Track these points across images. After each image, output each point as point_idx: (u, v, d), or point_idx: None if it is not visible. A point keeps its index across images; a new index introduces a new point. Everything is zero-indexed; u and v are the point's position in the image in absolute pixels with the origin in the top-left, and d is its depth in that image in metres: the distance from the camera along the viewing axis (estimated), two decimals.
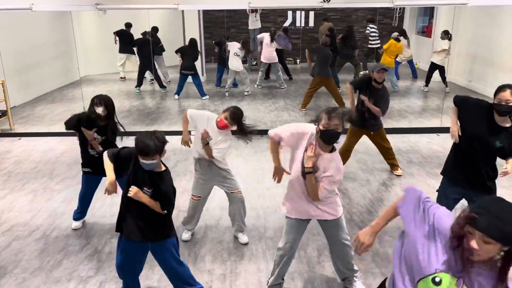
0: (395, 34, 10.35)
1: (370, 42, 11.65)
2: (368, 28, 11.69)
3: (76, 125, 4.27)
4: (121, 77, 11.70)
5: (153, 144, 2.87)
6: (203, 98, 9.82)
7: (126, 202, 3.07)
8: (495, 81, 9.41)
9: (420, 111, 8.91)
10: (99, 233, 4.50)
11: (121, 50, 11.24)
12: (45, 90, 10.62)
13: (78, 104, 8.95)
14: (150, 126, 8.02)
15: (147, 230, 3.09)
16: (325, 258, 4.02)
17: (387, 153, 5.94)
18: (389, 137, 7.26)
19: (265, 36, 10.67)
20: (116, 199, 5.09)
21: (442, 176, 3.94)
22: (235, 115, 3.91)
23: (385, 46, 10.15)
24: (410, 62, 11.45)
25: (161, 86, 10.72)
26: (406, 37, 10.86)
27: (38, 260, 4.04)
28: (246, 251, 4.16)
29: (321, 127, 2.97)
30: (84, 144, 4.40)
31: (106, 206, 4.99)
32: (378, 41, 11.46)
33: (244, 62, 12.89)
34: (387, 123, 8.04)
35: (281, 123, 8.14)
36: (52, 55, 10.85)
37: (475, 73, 10.55)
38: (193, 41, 9.97)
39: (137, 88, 10.70)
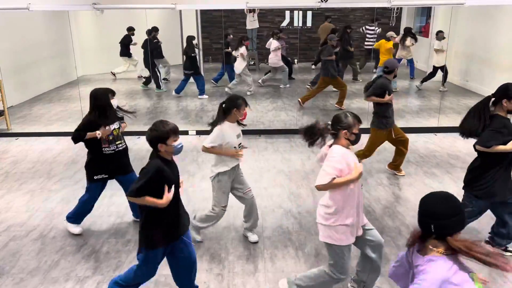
0: (389, 33, 10.38)
1: (365, 42, 11.71)
2: (363, 28, 11.74)
3: (84, 137, 4.16)
4: (114, 76, 11.75)
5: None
6: (200, 96, 9.81)
7: (170, 209, 2.98)
8: (492, 80, 9.43)
9: (417, 110, 8.92)
10: (97, 233, 4.49)
11: (123, 54, 11.24)
12: (43, 90, 10.60)
13: (76, 104, 8.94)
14: (148, 126, 7.99)
15: (185, 221, 3.17)
16: (322, 257, 4.02)
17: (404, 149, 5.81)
18: None
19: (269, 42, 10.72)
20: (114, 199, 5.10)
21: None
22: (231, 102, 3.90)
23: (375, 46, 10.24)
24: (410, 61, 11.42)
25: (158, 86, 10.70)
26: (407, 36, 10.81)
27: (35, 260, 4.03)
28: (244, 251, 4.16)
29: (356, 132, 3.13)
30: (97, 145, 4.21)
31: (104, 206, 4.98)
32: (371, 42, 11.47)
33: None
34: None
35: (279, 123, 8.21)
36: (50, 54, 10.83)
37: (472, 73, 10.57)
38: (186, 39, 9.91)
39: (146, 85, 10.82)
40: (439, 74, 10.24)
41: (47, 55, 10.71)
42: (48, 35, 10.74)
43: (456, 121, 8.09)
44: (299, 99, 9.04)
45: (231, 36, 10.91)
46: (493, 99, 3.66)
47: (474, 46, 10.46)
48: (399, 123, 8.06)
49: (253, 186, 5.59)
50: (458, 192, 5.26)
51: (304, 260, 4.01)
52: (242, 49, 9.92)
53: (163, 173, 2.92)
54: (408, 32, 10.79)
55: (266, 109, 9.03)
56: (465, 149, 6.60)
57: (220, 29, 12.48)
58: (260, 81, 10.99)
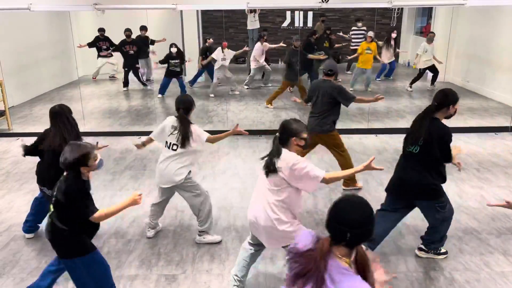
0: (369, 33, 10.40)
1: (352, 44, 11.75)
2: (349, 34, 11.78)
3: None
4: (115, 77, 11.83)
5: None
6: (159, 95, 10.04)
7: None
8: (492, 81, 9.43)
9: (418, 111, 8.87)
10: (97, 234, 4.48)
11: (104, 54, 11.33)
12: (44, 90, 10.61)
13: (77, 104, 8.93)
14: (149, 126, 8.01)
15: None
16: None
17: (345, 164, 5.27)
18: (388, 137, 7.28)
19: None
20: (115, 199, 5.10)
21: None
22: (188, 102, 4.32)
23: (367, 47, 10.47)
24: (392, 63, 11.47)
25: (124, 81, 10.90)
26: (388, 42, 10.92)
27: (36, 260, 4.04)
28: None
29: (304, 136, 3.24)
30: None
31: (104, 206, 4.97)
32: (357, 43, 11.52)
33: (242, 62, 12.94)
34: (385, 123, 8.08)
35: (280, 123, 8.18)
36: (51, 55, 10.85)
37: (472, 73, 10.57)
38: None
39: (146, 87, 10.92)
40: (439, 74, 10.32)
41: (48, 55, 10.73)
42: (49, 36, 10.76)
43: (456, 122, 8.11)
44: (266, 103, 9.19)
45: (211, 40, 10.66)
46: (435, 104, 3.87)
47: (475, 46, 10.46)
48: (400, 123, 8.09)
49: (253, 186, 5.60)
50: (459, 192, 5.29)
51: None
52: (216, 51, 9.88)
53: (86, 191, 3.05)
54: (388, 35, 10.96)
55: (267, 109, 9.04)
56: (465, 149, 6.59)
57: (220, 30, 12.48)
58: (262, 84, 10.99)
